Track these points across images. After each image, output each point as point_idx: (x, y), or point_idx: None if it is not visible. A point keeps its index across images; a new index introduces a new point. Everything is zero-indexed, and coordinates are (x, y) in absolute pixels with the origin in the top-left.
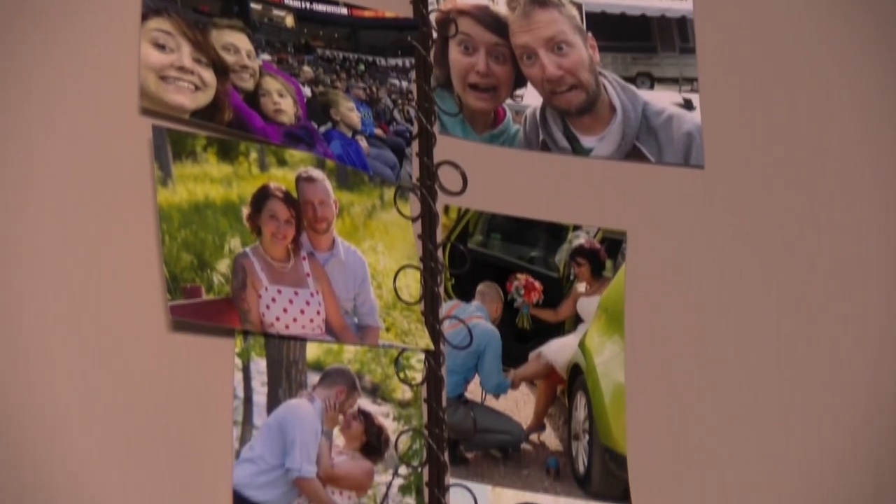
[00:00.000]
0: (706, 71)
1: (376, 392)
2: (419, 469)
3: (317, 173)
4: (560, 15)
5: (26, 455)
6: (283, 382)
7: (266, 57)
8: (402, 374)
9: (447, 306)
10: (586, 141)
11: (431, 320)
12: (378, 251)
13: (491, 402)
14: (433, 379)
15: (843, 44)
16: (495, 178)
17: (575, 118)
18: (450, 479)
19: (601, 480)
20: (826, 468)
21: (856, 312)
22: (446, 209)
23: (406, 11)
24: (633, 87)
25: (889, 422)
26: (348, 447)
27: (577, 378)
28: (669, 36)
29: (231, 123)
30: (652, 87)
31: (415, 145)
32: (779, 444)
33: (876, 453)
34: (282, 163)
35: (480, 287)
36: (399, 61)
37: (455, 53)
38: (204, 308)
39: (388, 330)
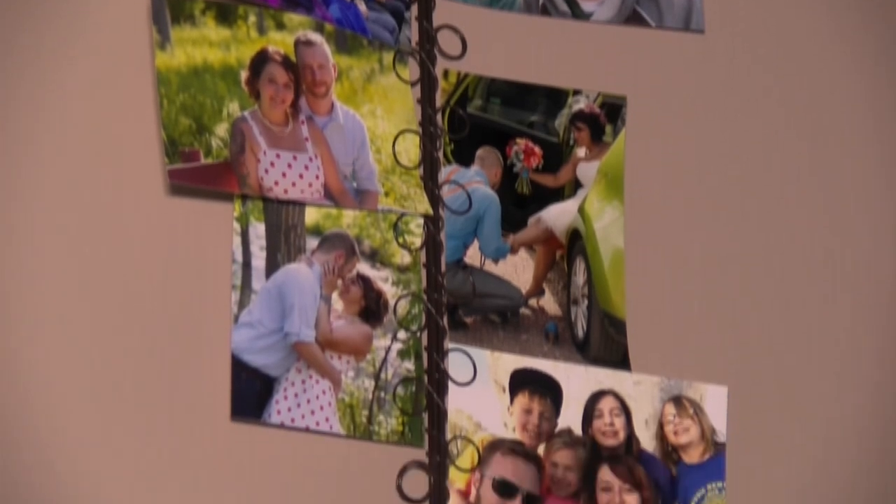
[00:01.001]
0: None
1: (375, 257)
2: (418, 334)
3: (315, 37)
4: None
5: (23, 324)
6: (282, 247)
7: None
8: (400, 239)
9: (446, 171)
10: (586, 5)
11: (430, 185)
12: (377, 115)
13: (490, 266)
14: (432, 243)
15: None
16: (495, 42)
17: None
18: (448, 344)
19: (600, 345)
20: (826, 323)
21: (854, 166)
22: (445, 73)
23: None
24: None
25: None
26: (347, 312)
27: (576, 243)
28: None
29: None
30: None
31: (414, 9)
32: (777, 307)
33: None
34: (280, 26)
35: (480, 152)
36: None
37: None
38: (202, 172)
39: (386, 195)
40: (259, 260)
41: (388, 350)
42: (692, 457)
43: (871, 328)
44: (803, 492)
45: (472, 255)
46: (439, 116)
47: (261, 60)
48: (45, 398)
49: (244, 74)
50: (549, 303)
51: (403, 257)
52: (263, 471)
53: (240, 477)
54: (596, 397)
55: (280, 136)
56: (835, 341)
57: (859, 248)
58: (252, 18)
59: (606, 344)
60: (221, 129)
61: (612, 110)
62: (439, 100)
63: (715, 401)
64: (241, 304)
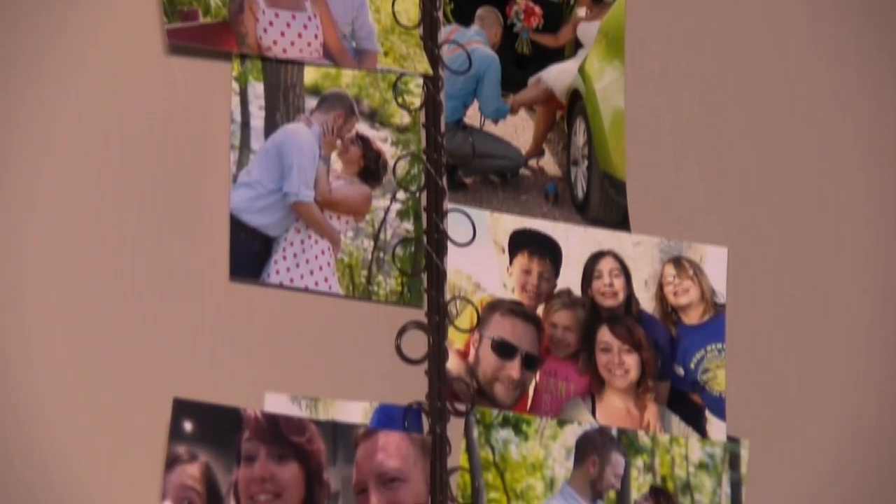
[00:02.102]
0: None
1: (374, 117)
2: (417, 194)
3: None
4: None
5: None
6: (281, 106)
7: None
8: (400, 99)
9: (446, 31)
10: None
11: (430, 45)
12: None
13: (490, 127)
14: (431, 103)
15: None
16: None
17: None
18: (448, 204)
19: (600, 206)
20: (828, 179)
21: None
22: None
23: None
24: None
25: None
26: (346, 172)
27: (576, 103)
28: None
29: None
30: None
31: None
32: (778, 166)
33: None
34: None
35: (480, 11)
36: None
37: None
38: (201, 31)
39: (386, 54)
40: (258, 120)
41: (387, 210)
42: (692, 318)
43: (873, 186)
44: (805, 353)
45: (472, 116)
46: None
47: None
48: (45, 257)
49: None
50: (548, 163)
51: (403, 117)
52: (262, 331)
53: (239, 337)
54: (595, 258)
55: None
56: (836, 199)
57: (860, 113)
58: None
59: (606, 204)
60: None
61: None
62: None
63: (715, 262)
64: (240, 164)
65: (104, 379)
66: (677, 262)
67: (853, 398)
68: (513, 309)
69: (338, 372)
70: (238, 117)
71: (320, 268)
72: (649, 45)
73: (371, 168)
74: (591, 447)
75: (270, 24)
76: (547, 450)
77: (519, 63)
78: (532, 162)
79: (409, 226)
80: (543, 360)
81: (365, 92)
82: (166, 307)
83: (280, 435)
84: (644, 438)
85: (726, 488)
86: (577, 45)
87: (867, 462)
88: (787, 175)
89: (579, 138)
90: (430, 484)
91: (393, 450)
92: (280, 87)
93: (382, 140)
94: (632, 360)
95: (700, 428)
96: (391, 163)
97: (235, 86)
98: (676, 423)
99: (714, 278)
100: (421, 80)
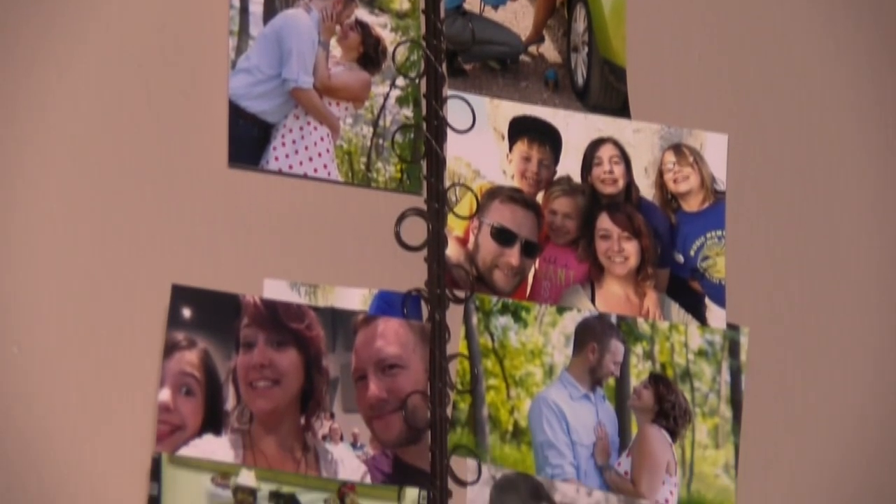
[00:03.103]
0: None
1: (374, 2)
2: (416, 80)
3: None
4: None
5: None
6: None
7: None
8: None
9: None
10: None
11: None
12: None
13: (489, 13)
14: None
15: None
16: None
17: None
18: (447, 91)
19: (600, 92)
20: (828, 72)
21: None
22: None
23: None
24: None
25: None
26: (345, 58)
27: None
28: None
29: None
30: None
31: None
32: (779, 54)
33: None
34: None
35: None
36: None
37: None
38: None
39: None
40: (257, 5)
41: (386, 97)
42: (691, 205)
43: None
44: (805, 239)
45: (472, 1)
46: None
47: None
48: (43, 137)
49: None
50: (548, 50)
51: (402, 3)
52: (261, 218)
53: (238, 224)
54: (595, 145)
55: None
56: (838, 85)
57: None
58: None
59: (606, 91)
60: None
61: None
62: None
63: (715, 149)
64: (239, 50)
65: (103, 265)
66: (677, 148)
67: (854, 280)
68: (512, 196)
69: (337, 258)
70: (237, 3)
71: (319, 154)
72: None
73: (370, 54)
74: (590, 334)
75: None
76: (546, 337)
77: None
78: (532, 48)
79: (408, 112)
80: (543, 247)
81: None
82: (165, 194)
83: (279, 321)
84: (643, 325)
85: (726, 376)
86: None
87: (871, 341)
88: (789, 61)
89: (579, 24)
90: (428, 371)
91: (392, 336)
92: None
93: (382, 26)
94: (631, 247)
95: (700, 315)
96: (390, 49)
97: None
98: (676, 310)
99: (714, 165)
100: None
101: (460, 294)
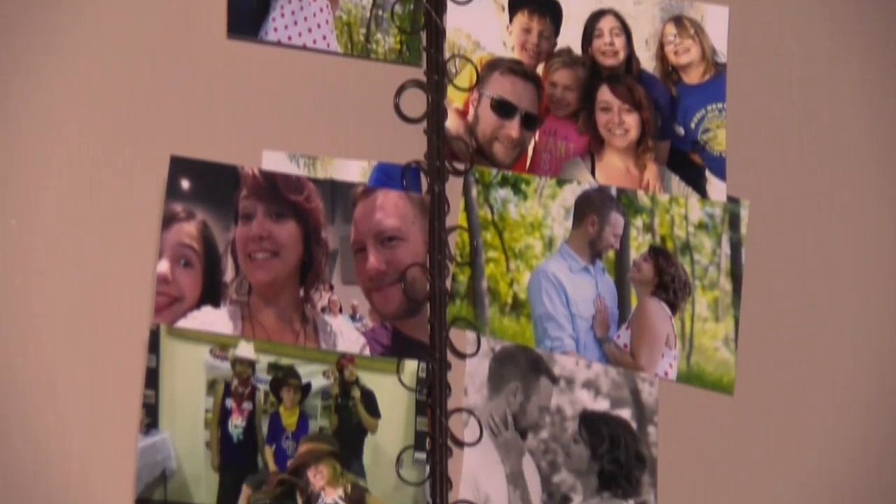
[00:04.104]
0: None
1: None
2: None
3: None
4: None
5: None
6: None
7: None
8: None
9: None
10: None
11: None
12: None
13: None
14: None
15: None
16: None
17: None
18: None
19: None
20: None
21: None
22: None
23: None
24: None
25: None
26: None
27: None
28: None
29: None
30: None
31: None
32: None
33: None
34: None
35: None
36: None
37: None
38: None
39: None
40: None
41: None
42: (692, 77)
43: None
44: (806, 111)
45: None
46: None
47: None
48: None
49: None
50: None
51: None
52: (260, 89)
53: (237, 95)
54: (596, 16)
55: None
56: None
57: None
58: None
59: None
60: None
61: None
62: None
63: (716, 21)
64: None
65: (100, 137)
66: (678, 20)
67: (854, 152)
68: (512, 68)
69: (336, 130)
70: None
71: (319, 25)
72: None
73: None
74: (590, 206)
75: None
76: (546, 209)
77: None
78: None
79: None
80: (543, 120)
81: None
82: (164, 65)
83: (278, 193)
84: (643, 198)
85: (726, 248)
86: None
87: (872, 211)
88: None
89: None
90: (428, 243)
91: (391, 208)
92: None
93: None
94: (632, 120)
95: (700, 188)
96: None
97: None
98: (676, 182)
99: (715, 37)
100: None
101: (460, 166)
